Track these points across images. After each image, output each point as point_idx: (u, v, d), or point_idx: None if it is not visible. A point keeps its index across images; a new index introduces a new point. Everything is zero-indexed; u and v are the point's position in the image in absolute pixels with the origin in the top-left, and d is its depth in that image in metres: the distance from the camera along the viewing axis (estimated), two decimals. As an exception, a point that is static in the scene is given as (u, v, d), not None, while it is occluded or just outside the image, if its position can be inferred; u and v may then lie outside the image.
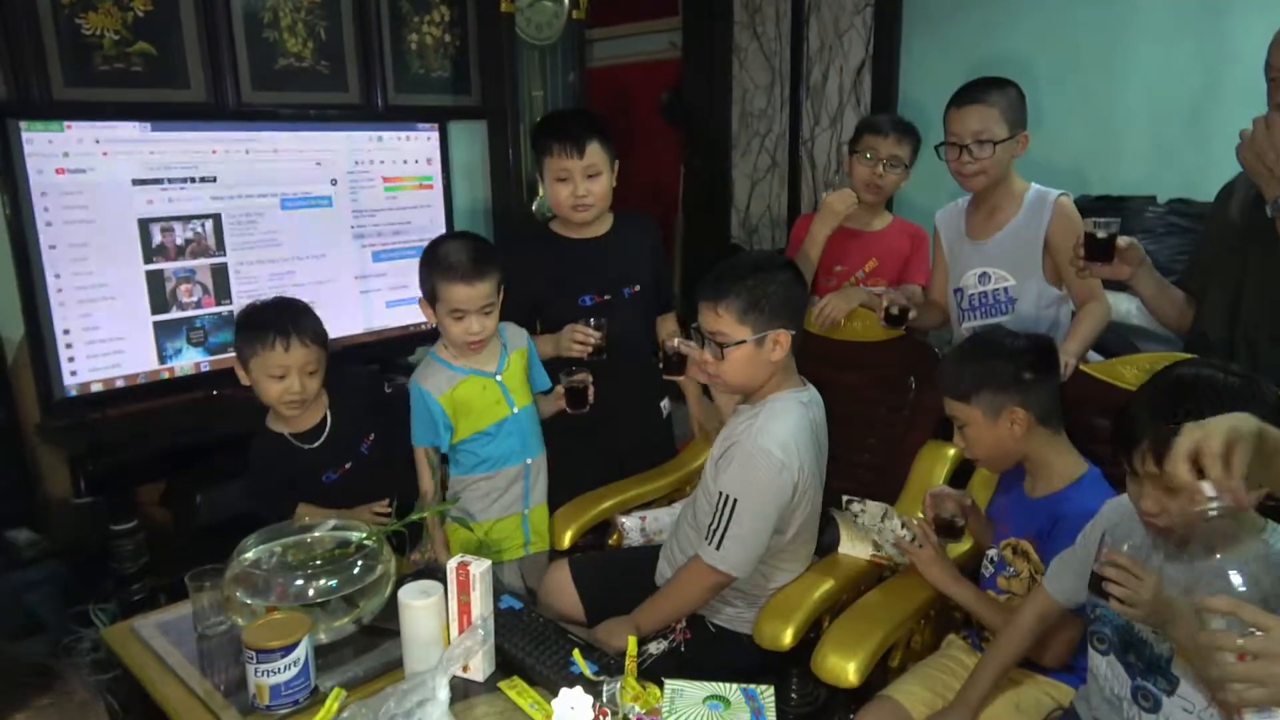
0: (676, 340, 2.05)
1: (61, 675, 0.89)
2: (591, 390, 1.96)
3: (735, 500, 1.64)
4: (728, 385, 1.75)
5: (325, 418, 1.97)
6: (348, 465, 1.99)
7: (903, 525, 1.75)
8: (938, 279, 2.27)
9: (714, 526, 1.65)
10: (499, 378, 1.95)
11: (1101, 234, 1.70)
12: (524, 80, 3.28)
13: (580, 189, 2.07)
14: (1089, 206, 2.52)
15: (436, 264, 1.85)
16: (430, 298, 1.88)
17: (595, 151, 2.06)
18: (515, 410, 1.96)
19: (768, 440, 1.64)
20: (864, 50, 3.25)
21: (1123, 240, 1.70)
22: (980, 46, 2.90)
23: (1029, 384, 1.57)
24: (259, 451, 1.95)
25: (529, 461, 2.01)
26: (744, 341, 1.65)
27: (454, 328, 1.86)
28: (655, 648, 1.72)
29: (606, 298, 2.16)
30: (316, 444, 1.95)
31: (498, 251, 1.89)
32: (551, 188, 2.11)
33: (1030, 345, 1.62)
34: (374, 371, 2.88)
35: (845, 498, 1.86)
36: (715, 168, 3.81)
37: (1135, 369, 1.69)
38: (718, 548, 1.65)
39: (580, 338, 2.04)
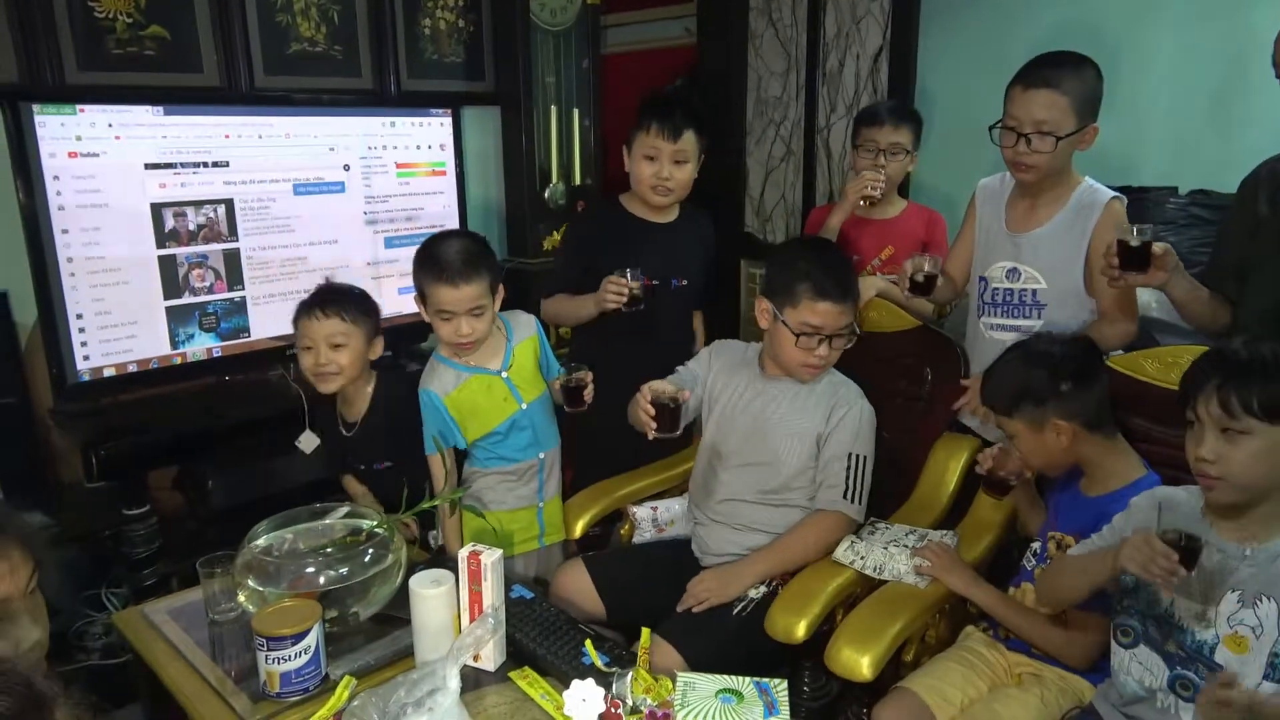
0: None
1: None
2: (590, 391, 1.89)
3: (866, 457, 1.82)
4: (825, 369, 1.86)
5: (357, 422, 2.02)
6: (361, 467, 2.05)
7: (918, 543, 1.72)
8: (959, 250, 2.09)
9: (853, 486, 1.80)
10: (505, 374, 1.93)
11: (1135, 242, 1.61)
12: (538, 66, 3.25)
13: (665, 171, 2.15)
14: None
15: (425, 263, 1.83)
16: (421, 296, 1.86)
17: (689, 139, 2.13)
18: (524, 405, 1.94)
19: (864, 397, 1.87)
20: (881, 37, 3.21)
21: (1158, 246, 1.61)
22: (1000, 33, 2.86)
23: (1070, 394, 1.53)
24: (327, 411, 2.08)
25: (542, 455, 1.99)
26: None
27: (443, 328, 1.84)
28: (755, 593, 1.75)
29: (655, 283, 2.19)
30: (349, 435, 2.04)
31: (491, 253, 1.88)
32: (637, 164, 2.17)
33: (1067, 353, 1.58)
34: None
35: (870, 519, 1.85)
36: (729, 156, 3.78)
37: (1157, 362, 1.66)
38: (858, 502, 1.81)
39: (614, 288, 2.06)
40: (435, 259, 1.80)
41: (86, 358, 2.35)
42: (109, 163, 2.34)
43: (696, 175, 2.21)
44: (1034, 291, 1.91)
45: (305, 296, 1.98)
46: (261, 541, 1.60)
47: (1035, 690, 1.52)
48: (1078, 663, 1.53)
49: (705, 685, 1.29)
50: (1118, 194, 1.86)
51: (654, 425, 1.75)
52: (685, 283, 2.26)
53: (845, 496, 1.80)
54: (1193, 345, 1.66)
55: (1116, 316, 1.82)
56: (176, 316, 2.50)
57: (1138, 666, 1.37)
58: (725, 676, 1.30)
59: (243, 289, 2.61)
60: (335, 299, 1.94)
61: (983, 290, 2.01)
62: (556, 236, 3.38)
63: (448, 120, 3.04)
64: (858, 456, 1.81)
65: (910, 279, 1.92)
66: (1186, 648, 1.30)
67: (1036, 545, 1.66)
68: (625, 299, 2.06)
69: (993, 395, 1.63)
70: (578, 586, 1.86)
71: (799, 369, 1.83)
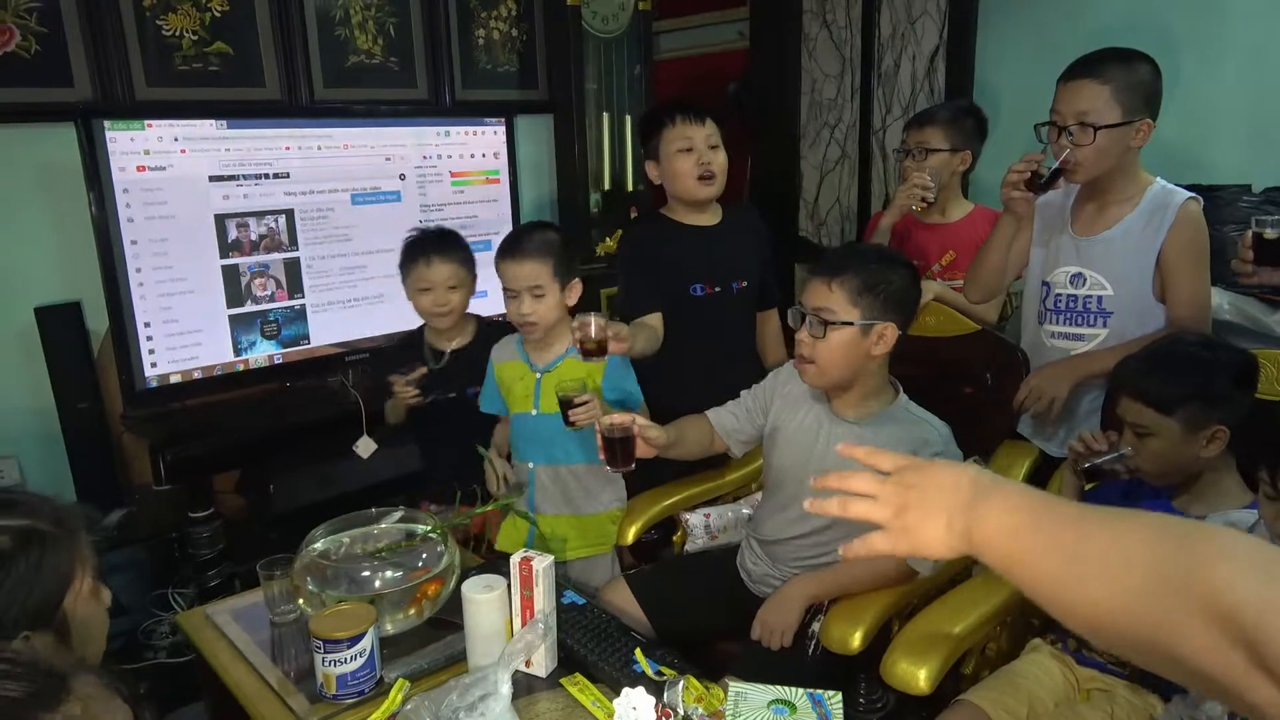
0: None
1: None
2: (580, 412, 1.74)
3: None
4: (820, 372, 1.63)
5: (446, 353, 2.17)
6: (452, 395, 2.16)
7: None
8: (1015, 245, 1.94)
9: None
10: (540, 376, 1.94)
11: (1272, 233, 1.53)
12: (590, 73, 3.27)
13: (705, 156, 2.06)
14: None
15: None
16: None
17: (714, 125, 2.09)
18: (535, 412, 1.94)
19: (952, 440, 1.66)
20: (938, 36, 3.15)
21: None
22: (1062, 29, 2.79)
23: (1239, 400, 1.44)
24: (409, 339, 2.28)
25: (532, 465, 1.99)
26: (850, 324, 1.58)
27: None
28: (818, 626, 1.65)
29: (716, 289, 2.15)
30: (440, 366, 2.17)
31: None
32: (674, 161, 2.07)
33: (1240, 359, 1.48)
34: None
35: None
36: (783, 159, 3.75)
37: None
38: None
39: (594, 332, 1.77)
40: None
41: (154, 364, 2.43)
42: (175, 176, 2.41)
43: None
44: (1100, 298, 1.82)
45: (414, 237, 2.18)
46: (319, 545, 1.63)
47: (1105, 707, 1.47)
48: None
49: (757, 696, 1.27)
50: (1194, 195, 1.76)
51: (602, 458, 1.65)
52: (745, 284, 2.19)
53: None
54: (1268, 350, 1.59)
55: (1191, 325, 1.72)
56: (239, 324, 2.57)
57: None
58: (778, 687, 1.28)
59: (303, 297, 2.67)
60: (449, 247, 2.13)
61: (1045, 296, 1.91)
62: (609, 242, 3.39)
63: (501, 129, 3.06)
64: None
65: (1034, 175, 1.73)
66: None
67: None
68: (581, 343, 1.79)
69: (1157, 388, 1.46)
70: (623, 605, 1.80)
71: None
